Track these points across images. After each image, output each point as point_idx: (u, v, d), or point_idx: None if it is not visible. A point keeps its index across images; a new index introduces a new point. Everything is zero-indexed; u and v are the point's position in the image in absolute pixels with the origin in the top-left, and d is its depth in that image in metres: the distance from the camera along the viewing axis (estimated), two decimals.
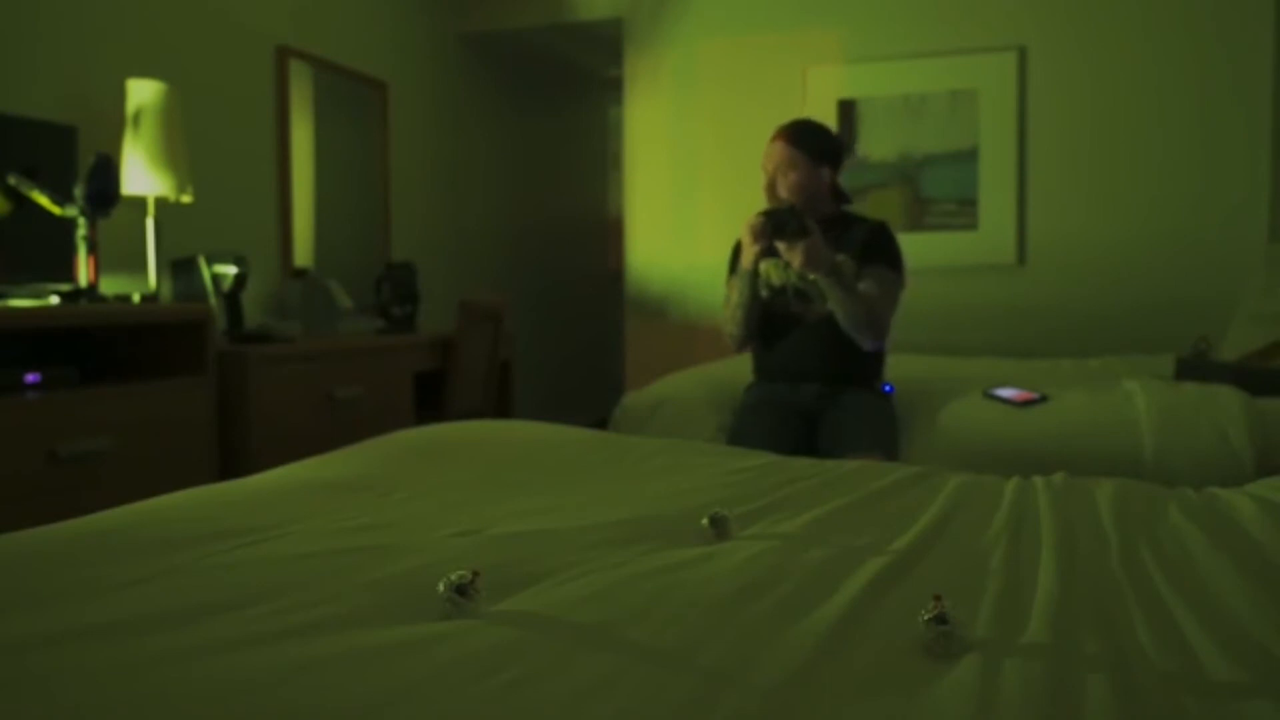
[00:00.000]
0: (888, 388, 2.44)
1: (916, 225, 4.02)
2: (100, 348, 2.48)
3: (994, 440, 2.21)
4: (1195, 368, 2.55)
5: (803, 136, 2.38)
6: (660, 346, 4.35)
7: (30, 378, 2.11)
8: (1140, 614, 0.89)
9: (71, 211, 2.34)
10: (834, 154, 2.41)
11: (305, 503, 1.26)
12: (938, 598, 0.82)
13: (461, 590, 0.86)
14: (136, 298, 2.58)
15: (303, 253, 3.67)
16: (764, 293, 2.39)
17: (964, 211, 3.97)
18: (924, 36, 4.00)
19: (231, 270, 2.98)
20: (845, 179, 4.07)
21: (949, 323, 3.96)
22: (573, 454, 1.65)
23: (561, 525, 1.17)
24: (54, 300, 2.29)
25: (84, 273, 2.37)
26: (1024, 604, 0.92)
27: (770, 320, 2.43)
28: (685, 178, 4.32)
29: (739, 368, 2.60)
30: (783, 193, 2.37)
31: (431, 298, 4.19)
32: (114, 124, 2.75)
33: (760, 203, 2.41)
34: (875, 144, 4.07)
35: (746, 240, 2.27)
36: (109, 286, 2.72)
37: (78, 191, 2.33)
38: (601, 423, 2.79)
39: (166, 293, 2.92)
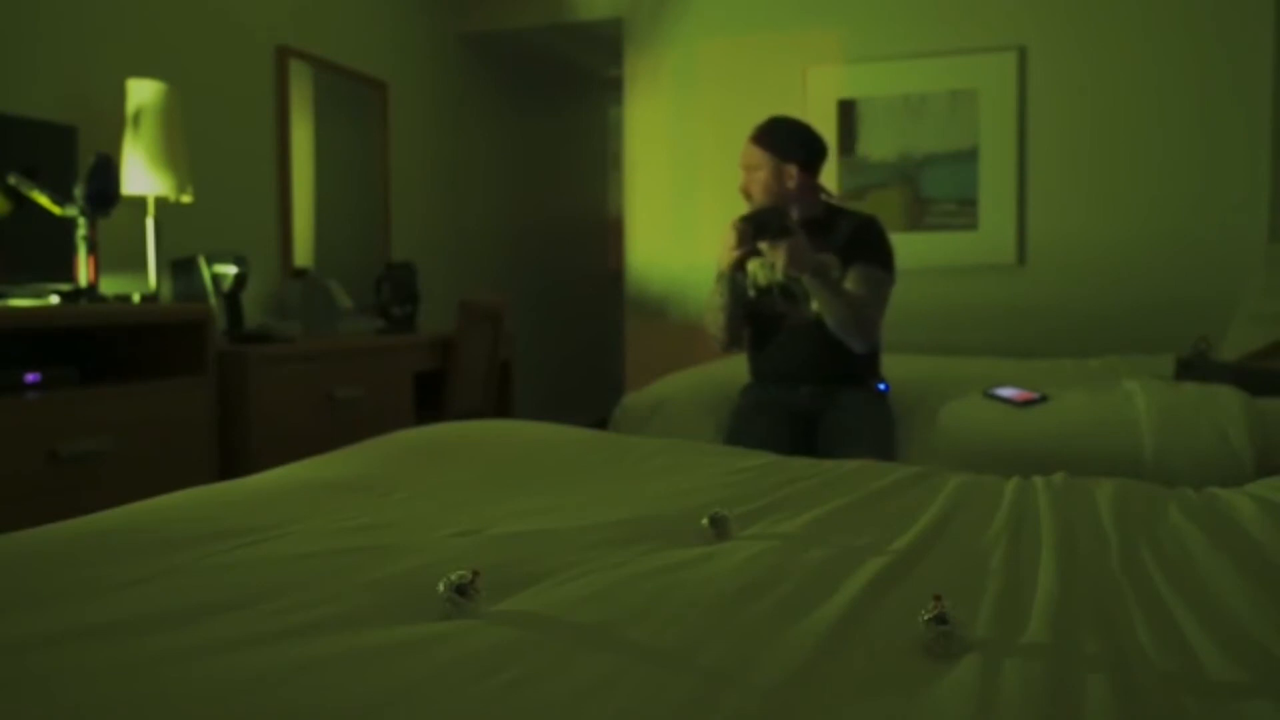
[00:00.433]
0: (883, 386, 2.42)
1: (916, 225, 4.02)
2: (100, 348, 2.48)
3: (994, 440, 2.21)
4: (1195, 368, 2.55)
5: (767, 135, 2.36)
6: (660, 346, 4.35)
7: (30, 378, 2.11)
8: (1140, 614, 0.89)
9: (71, 211, 2.34)
10: (804, 150, 2.35)
11: (305, 503, 1.26)
12: (938, 598, 0.82)
13: (461, 590, 0.86)
14: (136, 298, 2.58)
15: (303, 253, 3.67)
16: (751, 293, 2.38)
17: (964, 211, 3.97)
18: (924, 36, 4.00)
19: (231, 270, 2.98)
20: (845, 179, 4.09)
21: (949, 323, 3.96)
22: (573, 454, 1.65)
23: (561, 525, 1.17)
24: (54, 300, 2.29)
25: (84, 273, 2.36)
26: (1024, 604, 0.92)
27: (759, 321, 2.42)
28: (685, 178, 4.31)
29: (739, 368, 2.60)
30: (752, 192, 2.35)
31: (431, 298, 4.19)
32: (114, 124, 2.75)
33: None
34: (875, 144, 4.07)
35: (728, 244, 2.23)
36: (109, 286, 2.72)
37: (78, 191, 2.33)
38: (601, 423, 2.79)
39: (166, 293, 2.92)
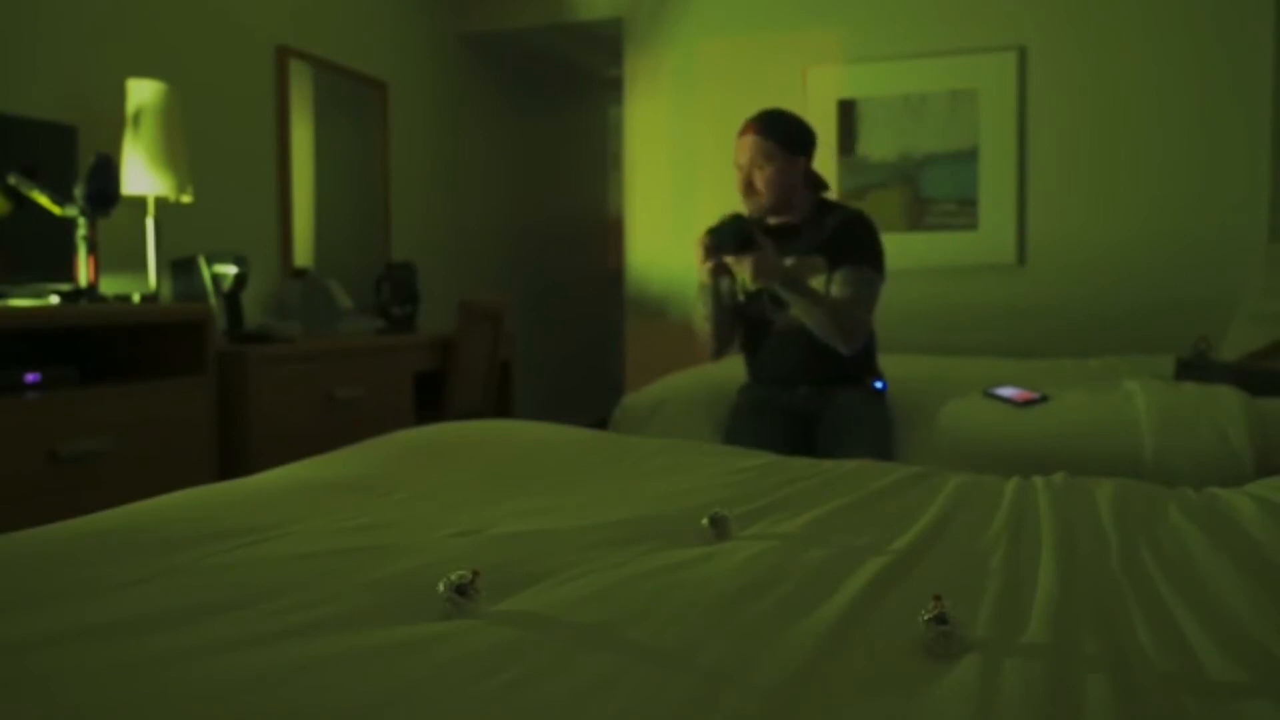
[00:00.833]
0: (880, 384, 2.39)
1: (916, 225, 4.02)
2: (100, 348, 2.48)
3: (994, 440, 2.21)
4: (1195, 368, 2.55)
5: (775, 127, 2.26)
6: (660, 346, 4.35)
7: (30, 378, 2.11)
8: (1140, 614, 0.89)
9: (71, 211, 2.34)
10: (808, 143, 2.31)
11: (305, 503, 1.26)
12: (938, 598, 0.82)
13: (461, 590, 0.86)
14: (136, 298, 2.58)
15: (303, 253, 3.67)
16: (741, 297, 2.35)
17: (964, 211, 3.97)
18: (924, 36, 4.00)
19: (231, 270, 2.98)
20: (845, 179, 4.09)
21: (949, 323, 3.96)
22: (573, 454, 1.65)
23: (561, 525, 1.17)
24: (54, 300, 2.29)
25: (84, 273, 2.36)
26: (1024, 604, 0.92)
27: (751, 325, 2.40)
28: (685, 178, 4.31)
29: (738, 369, 2.60)
30: (759, 187, 2.27)
31: (431, 298, 4.19)
32: (114, 124, 2.75)
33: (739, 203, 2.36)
34: (875, 144, 4.07)
35: (698, 257, 2.18)
36: (109, 286, 2.72)
37: (78, 191, 2.33)
38: (601, 423, 2.79)
39: (166, 293, 2.92)
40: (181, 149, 2.79)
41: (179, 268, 2.94)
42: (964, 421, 2.28)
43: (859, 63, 4.05)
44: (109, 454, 2.16)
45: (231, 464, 2.54)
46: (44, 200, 2.30)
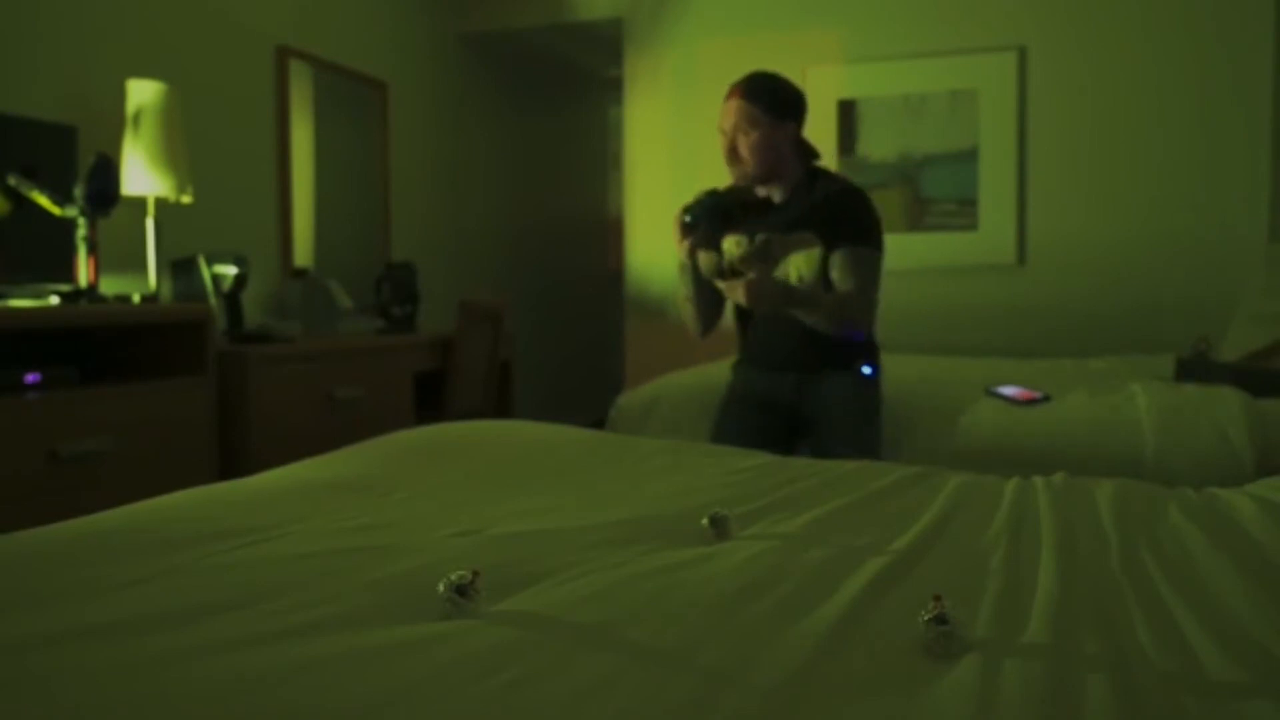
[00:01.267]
0: (868, 370, 2.24)
1: (916, 225, 4.02)
2: (100, 348, 2.48)
3: (995, 439, 2.21)
4: (1195, 368, 2.55)
5: (760, 91, 2.14)
6: (660, 346, 4.35)
7: (30, 378, 2.11)
8: (1140, 614, 0.89)
9: (71, 211, 2.34)
10: (797, 107, 2.18)
11: (305, 503, 1.26)
12: (938, 598, 0.82)
13: (461, 590, 0.86)
14: (136, 298, 2.58)
15: (303, 253, 3.67)
16: (719, 277, 2.21)
17: (964, 211, 3.97)
18: (924, 36, 4.00)
19: (231, 270, 2.98)
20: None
21: (949, 323, 3.95)
22: (573, 454, 1.65)
23: (561, 525, 1.17)
24: (54, 300, 2.29)
25: (84, 273, 2.36)
26: (1024, 604, 0.92)
27: (736, 303, 2.25)
28: (685, 178, 4.31)
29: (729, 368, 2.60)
30: (744, 154, 2.14)
31: (431, 298, 4.19)
32: (114, 124, 2.75)
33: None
34: (875, 144, 4.07)
35: (675, 236, 2.13)
36: (109, 286, 2.72)
37: (78, 191, 2.33)
38: (601, 423, 2.79)
39: (166, 293, 2.92)
40: (181, 149, 2.79)
41: (179, 268, 2.94)
42: (965, 420, 2.28)
43: (859, 63, 4.05)
44: (109, 454, 2.16)
45: (231, 464, 2.54)
46: (44, 200, 2.30)
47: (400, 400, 3.28)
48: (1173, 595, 0.94)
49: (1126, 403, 2.23)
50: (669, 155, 4.38)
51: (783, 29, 4.17)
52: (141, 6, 2.94)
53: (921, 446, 2.26)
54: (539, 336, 5.35)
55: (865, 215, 2.16)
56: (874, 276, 2.15)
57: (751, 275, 2.02)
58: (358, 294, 3.64)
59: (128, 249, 2.82)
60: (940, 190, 3.99)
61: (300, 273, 3.57)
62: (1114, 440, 2.12)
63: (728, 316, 2.36)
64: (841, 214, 2.13)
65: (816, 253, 2.13)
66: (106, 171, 2.35)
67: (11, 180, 2.26)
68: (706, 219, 2.08)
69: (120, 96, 2.75)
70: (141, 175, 2.70)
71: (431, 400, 3.47)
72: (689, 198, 2.19)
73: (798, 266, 2.15)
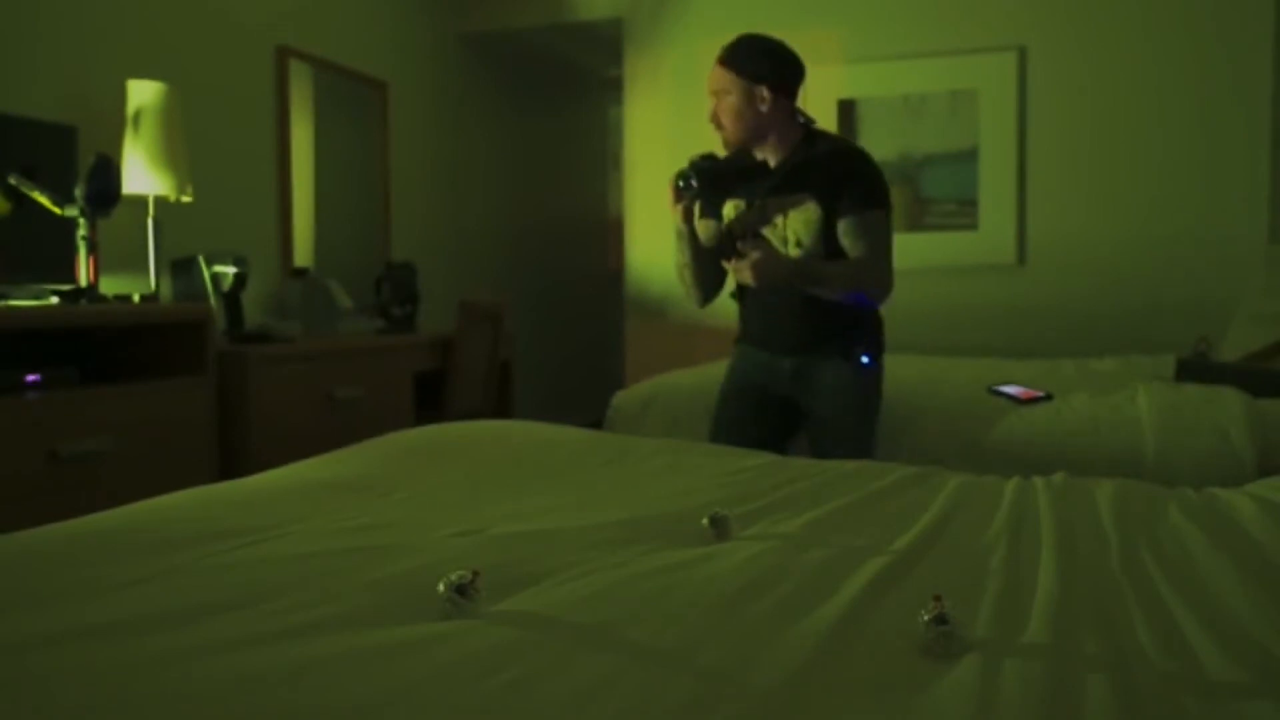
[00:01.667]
0: (867, 359, 2.15)
1: (916, 225, 4.02)
2: (100, 348, 2.48)
3: (995, 438, 2.21)
4: (1196, 368, 2.55)
5: (736, 54, 2.11)
6: (660, 346, 4.35)
7: (30, 378, 2.10)
8: (1140, 614, 0.89)
9: (71, 211, 2.34)
10: (775, 69, 2.10)
11: (305, 503, 1.26)
12: (938, 598, 0.82)
13: (461, 590, 0.86)
14: (136, 298, 2.57)
15: (303, 253, 3.67)
16: (715, 242, 2.19)
17: (964, 211, 3.97)
18: (924, 36, 4.00)
19: (231, 270, 2.98)
20: None
21: (949, 323, 3.95)
22: (573, 454, 1.65)
23: (561, 525, 1.17)
24: (54, 300, 2.29)
25: (84, 273, 2.36)
26: (1024, 604, 0.92)
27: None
28: None
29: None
30: (723, 120, 2.12)
31: (431, 298, 4.19)
32: (114, 124, 2.75)
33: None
34: (875, 144, 4.06)
35: (669, 201, 2.10)
36: (109, 286, 2.72)
37: (78, 191, 2.33)
38: (600, 423, 2.79)
39: (166, 293, 2.92)
40: (181, 149, 2.78)
41: (179, 268, 2.94)
42: (966, 419, 2.28)
43: (859, 63, 4.05)
44: (109, 454, 2.16)
45: (231, 464, 2.54)
46: (44, 200, 2.30)
47: (400, 400, 3.28)
48: (1173, 595, 0.94)
49: (1127, 403, 2.23)
50: (669, 155, 4.38)
51: (783, 29, 4.15)
52: (141, 6, 2.94)
53: (922, 446, 2.26)
54: (539, 336, 5.35)
55: (867, 175, 2.07)
56: (886, 238, 2.07)
57: (757, 254, 1.96)
58: (358, 294, 3.64)
59: (128, 249, 2.82)
60: (940, 190, 3.99)
61: (300, 273, 3.57)
62: (1114, 440, 2.12)
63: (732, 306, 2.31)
64: (842, 176, 2.05)
65: (814, 215, 2.06)
66: (106, 171, 2.35)
67: (12, 180, 2.26)
68: (699, 183, 2.05)
69: (120, 96, 2.75)
70: (141, 175, 2.70)
71: (431, 400, 3.47)
72: (687, 237, 2.18)
73: (794, 230, 2.08)
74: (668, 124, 4.40)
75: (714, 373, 2.67)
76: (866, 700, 0.71)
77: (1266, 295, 2.94)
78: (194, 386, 2.43)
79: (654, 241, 4.42)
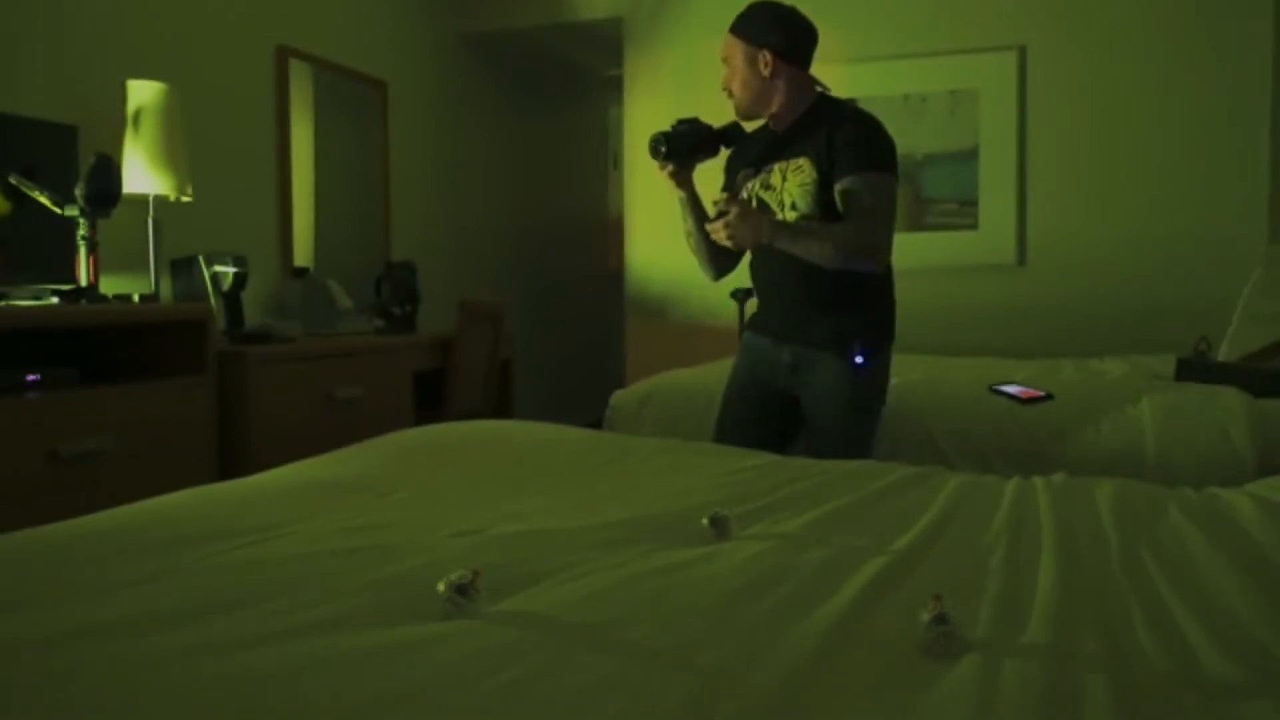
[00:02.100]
0: (861, 358, 2.06)
1: (916, 225, 4.02)
2: (100, 348, 2.48)
3: (996, 438, 2.21)
4: (1196, 368, 2.55)
5: (742, 20, 2.08)
6: (660, 346, 4.35)
7: (30, 378, 2.10)
8: (1140, 614, 0.89)
9: (72, 211, 2.34)
10: (781, 33, 2.05)
11: (305, 503, 1.26)
12: (938, 598, 0.82)
13: (461, 590, 0.86)
14: (136, 298, 2.57)
15: (303, 253, 3.67)
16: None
17: (964, 211, 3.97)
18: (924, 36, 4.00)
19: (231, 270, 2.98)
20: None
21: (949, 323, 3.95)
22: (573, 454, 1.65)
23: (561, 525, 1.17)
24: (54, 300, 2.29)
25: (84, 273, 2.36)
26: (1024, 604, 0.92)
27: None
28: None
29: (727, 368, 2.59)
30: (732, 88, 2.10)
31: (431, 298, 4.19)
32: (114, 124, 2.75)
33: None
34: None
35: (661, 171, 2.09)
36: (109, 286, 2.71)
37: (78, 191, 2.33)
38: (600, 423, 2.79)
39: (166, 293, 2.92)
40: (181, 149, 2.78)
41: (179, 268, 2.94)
42: (967, 419, 2.28)
43: (859, 63, 4.05)
44: (109, 454, 2.16)
45: (231, 464, 2.54)
46: (44, 200, 2.30)
47: (400, 400, 3.28)
48: (1173, 595, 0.94)
49: (1127, 402, 2.23)
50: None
51: None
52: (141, 6, 2.94)
53: (922, 446, 2.26)
54: (539, 336, 5.35)
55: (871, 139, 2.00)
56: (883, 202, 1.97)
57: (732, 211, 1.91)
58: (358, 294, 3.64)
59: (128, 249, 2.82)
60: (940, 190, 3.99)
61: (300, 272, 3.57)
62: (1114, 440, 2.12)
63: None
64: (839, 138, 1.98)
65: (808, 177, 2.01)
66: (107, 171, 2.35)
67: (12, 180, 2.26)
68: (668, 148, 2.03)
69: (120, 96, 2.75)
70: (141, 175, 2.70)
71: (431, 400, 3.47)
72: (688, 204, 2.18)
73: (790, 193, 2.04)
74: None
75: (713, 372, 2.68)
76: (866, 700, 0.71)
77: (1266, 295, 2.94)
78: (194, 386, 2.43)
79: (654, 241, 4.42)
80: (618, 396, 2.64)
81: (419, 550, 1.04)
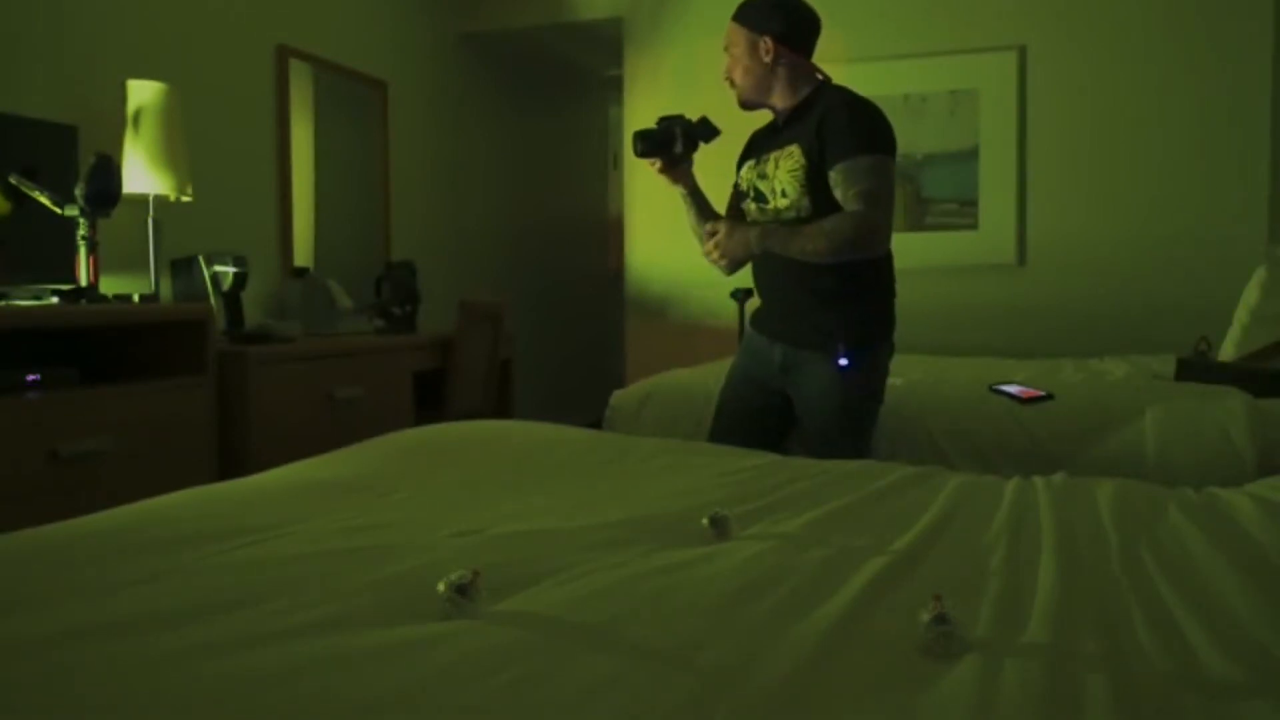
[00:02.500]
0: (844, 361, 1.98)
1: (916, 225, 4.02)
2: (100, 348, 2.48)
3: (996, 438, 2.21)
4: (1195, 368, 2.55)
5: (744, 7, 2.07)
6: (660, 346, 4.35)
7: (30, 378, 2.10)
8: (1140, 614, 0.89)
9: (72, 211, 2.34)
10: (781, 19, 2.03)
11: (305, 503, 1.26)
12: (938, 598, 0.82)
13: (461, 590, 0.86)
14: (136, 298, 2.57)
15: (303, 253, 3.67)
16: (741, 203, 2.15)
17: (964, 211, 3.97)
18: (924, 36, 4.00)
19: (231, 270, 2.98)
20: None
21: (949, 323, 3.95)
22: (573, 454, 1.65)
23: (561, 525, 1.17)
24: (54, 300, 2.29)
25: (84, 273, 2.36)
26: (1024, 604, 0.92)
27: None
28: None
29: (725, 368, 2.60)
30: (734, 76, 2.09)
31: (431, 298, 4.19)
32: (114, 124, 2.75)
33: None
34: None
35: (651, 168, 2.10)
36: (109, 286, 2.71)
37: (78, 191, 2.33)
38: (600, 423, 2.80)
39: (166, 293, 2.92)
40: (181, 149, 2.78)
41: (179, 267, 2.94)
42: (967, 418, 2.28)
43: (859, 63, 4.05)
44: (109, 454, 2.16)
45: (231, 464, 2.54)
46: (44, 200, 2.30)
47: (400, 400, 3.28)
48: (1173, 595, 0.94)
49: (1127, 402, 2.23)
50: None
51: None
52: (141, 6, 2.94)
53: (922, 446, 2.26)
54: (539, 336, 5.35)
55: (862, 121, 1.94)
56: (877, 185, 1.89)
57: (719, 232, 1.92)
58: (358, 294, 3.64)
59: (128, 249, 2.82)
60: (940, 190, 3.99)
61: (300, 272, 3.57)
62: (1114, 440, 2.12)
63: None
64: (830, 123, 1.94)
65: (798, 164, 1.98)
66: (107, 171, 2.35)
67: (12, 180, 2.26)
68: (643, 146, 2.07)
69: (120, 96, 2.75)
70: (141, 175, 2.70)
71: (431, 400, 3.47)
72: (688, 199, 2.19)
73: (781, 181, 2.02)
74: None
75: (712, 372, 2.68)
76: (867, 700, 0.71)
77: (1266, 295, 2.94)
78: (194, 386, 2.43)
79: (654, 241, 4.42)
80: (618, 396, 2.65)
81: (419, 550, 1.04)
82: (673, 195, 2.23)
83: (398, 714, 0.66)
